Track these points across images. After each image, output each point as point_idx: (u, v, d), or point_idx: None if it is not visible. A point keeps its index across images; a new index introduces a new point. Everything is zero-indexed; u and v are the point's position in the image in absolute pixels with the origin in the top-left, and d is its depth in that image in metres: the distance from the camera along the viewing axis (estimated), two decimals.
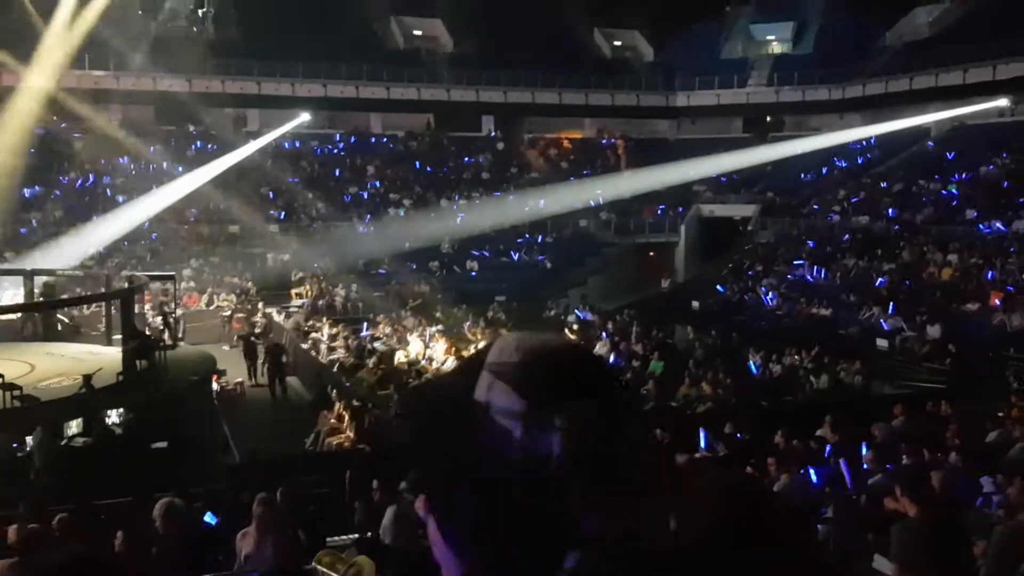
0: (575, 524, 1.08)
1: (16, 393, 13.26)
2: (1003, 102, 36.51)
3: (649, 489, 1.13)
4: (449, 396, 1.15)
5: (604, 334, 23.39)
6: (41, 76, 33.22)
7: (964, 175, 34.06)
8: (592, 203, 38.20)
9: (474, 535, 1.12)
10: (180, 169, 35.16)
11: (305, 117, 37.42)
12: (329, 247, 31.84)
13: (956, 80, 36.87)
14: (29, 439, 12.53)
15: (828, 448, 10.50)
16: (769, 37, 47.70)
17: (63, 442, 12.94)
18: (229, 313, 25.68)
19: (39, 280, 21.36)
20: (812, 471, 8.96)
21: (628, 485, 1.11)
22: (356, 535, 7.74)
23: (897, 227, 31.23)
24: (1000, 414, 12.46)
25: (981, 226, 28.90)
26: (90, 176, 34.86)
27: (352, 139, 42.57)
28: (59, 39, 33.69)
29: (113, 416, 13.99)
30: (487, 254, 33.85)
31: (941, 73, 37.38)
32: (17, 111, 31.80)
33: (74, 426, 13.44)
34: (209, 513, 8.35)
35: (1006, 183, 32.13)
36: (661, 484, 1.16)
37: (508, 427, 1.09)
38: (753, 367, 19.91)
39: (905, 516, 5.09)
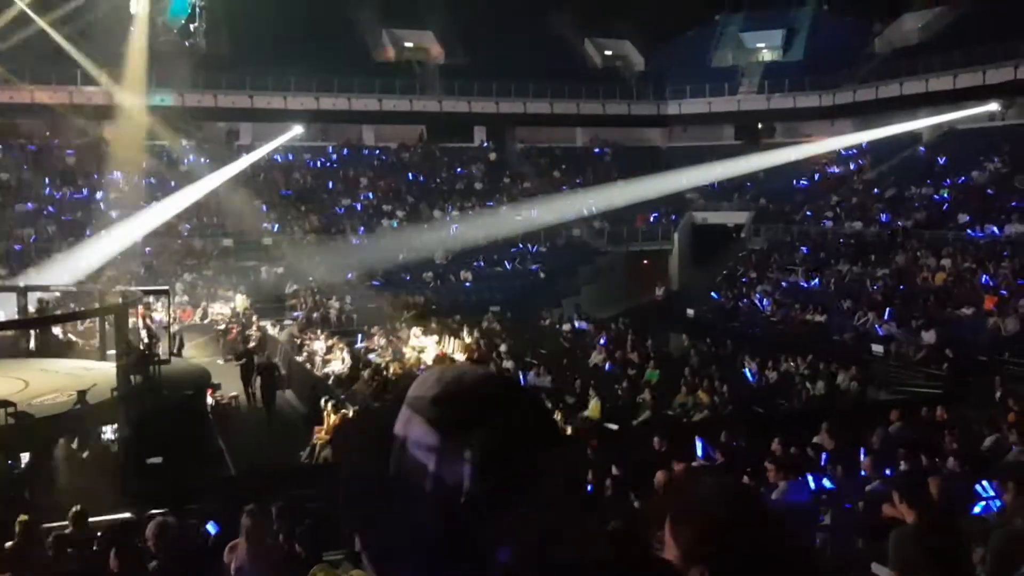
0: (489, 556, 1.11)
1: (10, 410, 13.19)
2: (993, 107, 36.66)
3: (565, 522, 1.16)
4: (371, 429, 1.19)
5: (600, 342, 23.39)
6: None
7: (956, 180, 34.18)
8: (585, 211, 38.21)
9: (392, 563, 1.15)
10: (173, 184, 35.21)
11: (298, 130, 37.43)
12: (323, 259, 31.88)
13: (946, 85, 37.01)
14: (24, 456, 12.47)
15: (824, 455, 10.49)
16: (759, 45, 47.88)
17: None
18: (224, 326, 25.63)
19: (32, 296, 21.29)
20: (810, 478, 8.95)
21: (541, 518, 1.14)
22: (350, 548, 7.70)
23: (890, 232, 31.31)
24: (997, 418, 12.46)
25: (971, 232, 28.98)
26: (83, 191, 34.77)
27: (345, 151, 42.58)
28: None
29: (108, 432, 13.93)
30: (481, 264, 33.84)
31: (931, 78, 37.52)
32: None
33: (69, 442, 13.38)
34: (211, 523, 8.32)
35: (997, 188, 32.28)
36: (575, 517, 1.19)
37: (424, 460, 1.12)
38: (749, 374, 19.92)
39: (903, 522, 5.09)
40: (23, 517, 8.24)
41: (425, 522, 1.12)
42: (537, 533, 1.13)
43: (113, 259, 29.27)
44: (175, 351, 22.08)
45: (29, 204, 32.94)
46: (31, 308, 20.65)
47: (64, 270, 25.82)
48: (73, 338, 21.14)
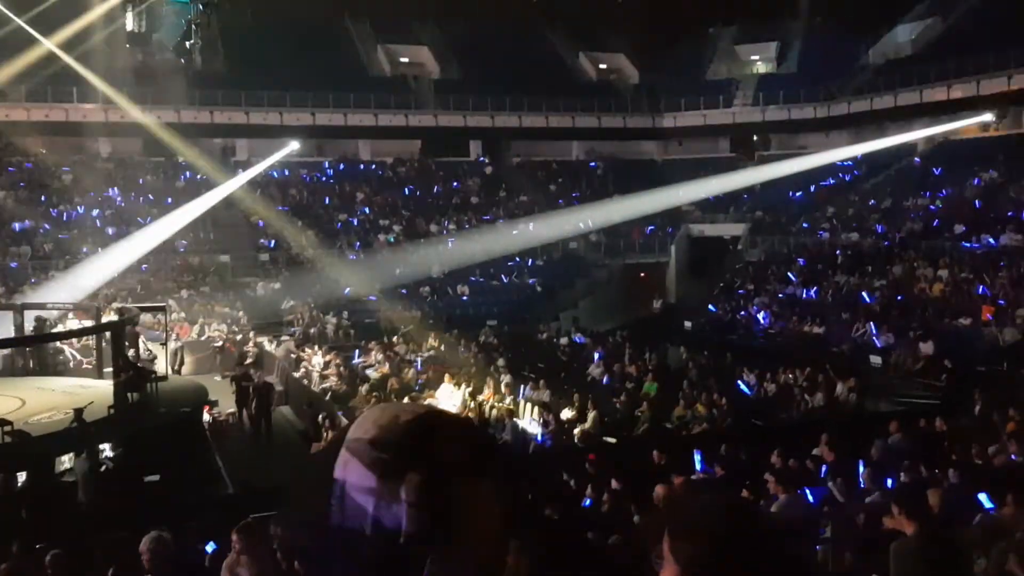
0: None
1: (7, 429, 13.15)
2: (987, 117, 36.80)
3: (500, 555, 1.20)
4: (314, 472, 1.21)
5: (597, 356, 23.36)
6: None
7: (951, 190, 34.25)
8: (582, 225, 38.24)
9: None
10: (170, 200, 35.26)
11: (295, 146, 37.47)
12: (319, 275, 31.90)
13: (940, 96, 37.15)
14: (21, 476, 12.42)
15: (823, 467, 10.47)
16: (753, 57, 48.11)
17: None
18: (221, 343, 25.60)
19: (30, 315, 21.25)
20: (809, 491, 8.93)
21: (476, 553, 1.17)
22: None
23: (887, 243, 31.35)
24: (997, 428, 12.44)
25: (966, 243, 29.01)
26: (79, 208, 34.77)
27: (341, 166, 42.63)
28: None
29: (105, 450, 13.88)
30: (478, 278, 33.80)
31: (925, 89, 37.66)
32: None
33: (66, 461, 13.33)
34: (211, 543, 8.27)
35: (992, 198, 32.35)
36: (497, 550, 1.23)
37: (363, 503, 1.15)
38: (746, 388, 19.89)
39: (903, 535, 5.07)
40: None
41: (366, 563, 1.15)
42: (473, 569, 1.16)
43: (111, 277, 29.27)
44: (176, 368, 22.08)
45: (26, 222, 32.91)
46: (28, 326, 20.60)
47: (65, 288, 25.77)
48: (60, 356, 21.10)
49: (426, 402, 17.75)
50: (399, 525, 1.13)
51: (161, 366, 19.79)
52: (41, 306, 22.08)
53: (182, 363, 23.37)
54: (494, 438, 1.32)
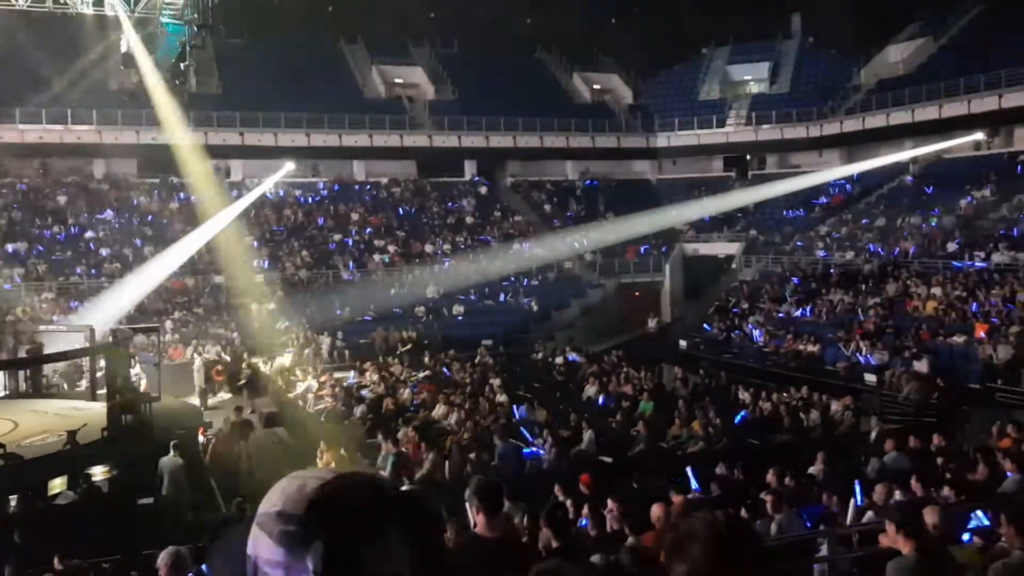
0: None
1: (0, 451, 13.09)
2: (979, 136, 37.01)
3: None
4: (232, 551, 1.24)
5: (592, 376, 23.32)
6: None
7: (944, 209, 34.40)
8: (576, 244, 38.30)
9: None
10: (165, 222, 35.26)
11: (291, 167, 37.49)
12: (314, 296, 31.88)
13: (932, 115, 37.37)
14: (13, 499, 12.35)
15: (819, 486, 10.46)
16: (746, 77, 48.43)
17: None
18: (215, 366, 25.54)
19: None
20: (804, 510, 8.92)
21: None
22: None
23: (880, 262, 31.45)
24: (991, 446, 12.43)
25: (957, 264, 29.11)
26: (73, 230, 34.73)
27: (336, 187, 42.69)
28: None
29: (98, 473, 13.80)
30: (473, 298, 33.79)
31: (917, 108, 37.89)
32: None
33: (59, 483, 13.25)
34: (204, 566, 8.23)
35: (984, 216, 32.52)
36: None
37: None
38: (742, 406, 19.87)
39: (899, 553, 5.06)
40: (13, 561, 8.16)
41: None
42: None
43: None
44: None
45: (20, 243, 32.87)
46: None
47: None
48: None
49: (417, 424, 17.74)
50: None
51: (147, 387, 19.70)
52: (34, 329, 22.02)
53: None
54: (400, 489, 1.35)
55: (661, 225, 38.66)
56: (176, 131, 35.19)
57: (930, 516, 5.90)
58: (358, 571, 1.16)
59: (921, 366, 21.31)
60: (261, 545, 1.19)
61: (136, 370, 20.59)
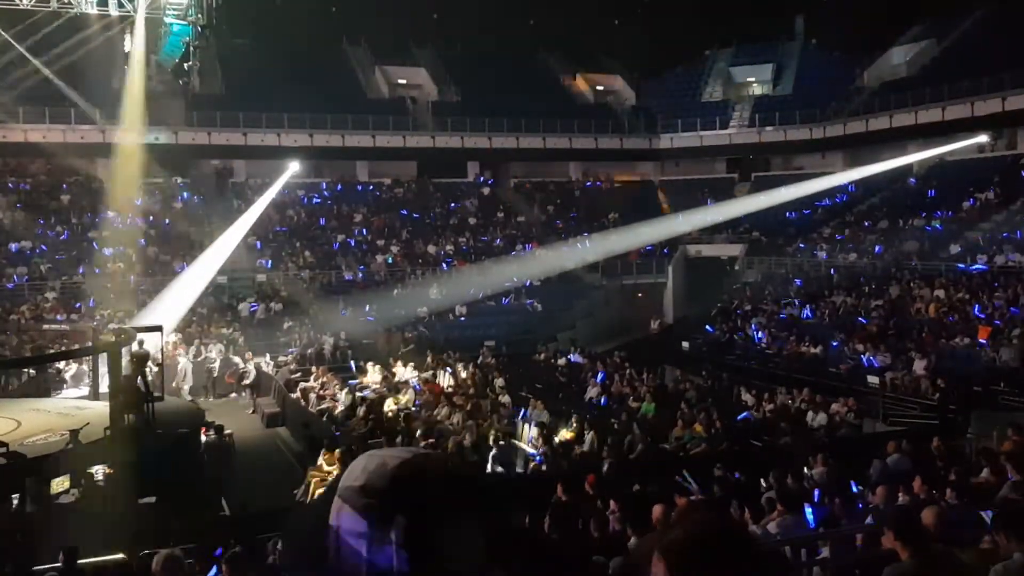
0: None
1: (2, 450, 13.09)
2: (983, 138, 36.98)
3: None
4: (309, 520, 1.31)
5: (597, 377, 23.30)
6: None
7: (947, 211, 34.37)
8: (579, 246, 38.29)
9: None
10: (167, 222, 35.32)
11: (296, 167, 37.50)
12: (318, 297, 31.91)
13: (935, 117, 37.34)
14: (15, 497, 12.35)
15: (822, 488, 10.44)
16: (749, 79, 48.42)
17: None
18: (216, 364, 25.57)
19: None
20: (808, 511, 8.90)
21: None
22: None
23: (883, 263, 31.43)
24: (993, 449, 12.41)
25: (961, 266, 29.09)
26: (76, 229, 34.76)
27: (339, 187, 42.73)
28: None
29: (100, 471, 13.81)
30: (477, 298, 33.72)
31: (920, 111, 37.85)
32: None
33: (61, 482, 13.25)
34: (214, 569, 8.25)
35: (987, 219, 32.48)
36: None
37: (356, 546, 1.24)
38: (744, 408, 19.86)
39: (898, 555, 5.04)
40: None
41: None
42: None
43: (105, 295, 29.25)
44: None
45: (24, 242, 32.92)
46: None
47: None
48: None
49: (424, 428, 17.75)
50: (392, 565, 1.22)
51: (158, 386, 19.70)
52: (39, 328, 22.07)
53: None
54: (477, 474, 1.43)
55: (666, 234, 38.58)
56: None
57: (928, 517, 5.90)
58: (436, 548, 1.23)
59: (923, 368, 21.27)
60: (345, 517, 1.25)
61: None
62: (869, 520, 8.48)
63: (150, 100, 37.09)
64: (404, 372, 23.66)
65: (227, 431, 17.34)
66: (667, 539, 1.60)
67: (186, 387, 24.10)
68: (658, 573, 1.56)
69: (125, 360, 16.33)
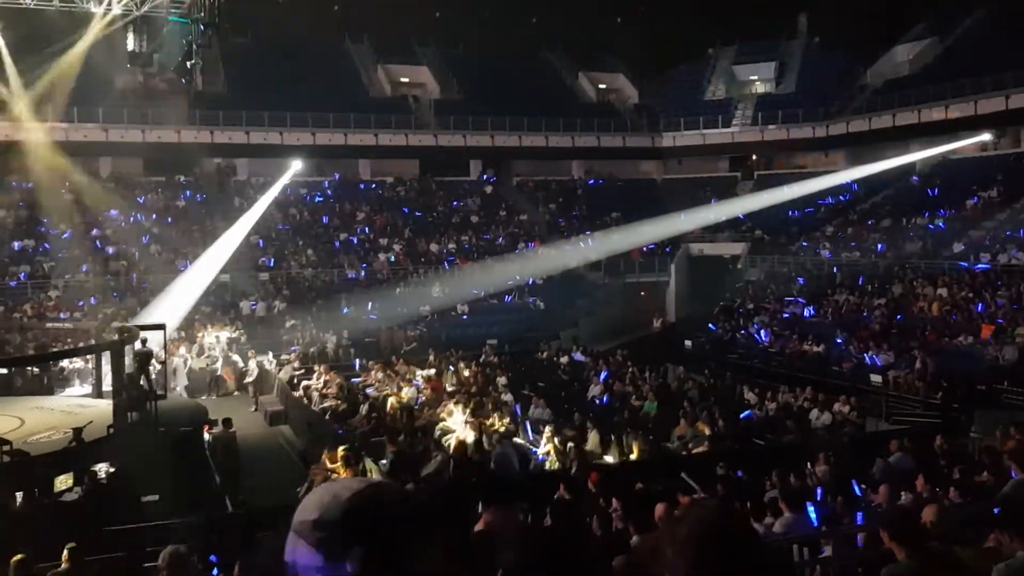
0: None
1: (5, 448, 13.10)
2: (986, 137, 36.94)
3: None
4: (268, 558, 1.34)
5: (600, 376, 23.28)
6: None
7: (950, 209, 34.32)
8: (582, 244, 38.29)
9: None
10: (170, 220, 35.30)
11: (299, 166, 37.51)
12: (320, 295, 31.91)
13: (938, 116, 37.30)
14: (19, 495, 12.37)
15: (824, 486, 10.44)
16: (752, 77, 48.35)
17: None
18: (218, 364, 25.59)
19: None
20: (811, 509, 8.90)
21: None
22: None
23: (886, 262, 31.40)
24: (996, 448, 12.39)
25: (964, 263, 29.06)
26: (79, 228, 34.72)
27: (341, 186, 42.74)
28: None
29: (103, 470, 13.82)
30: (479, 296, 33.73)
31: (923, 109, 37.80)
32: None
33: (65, 480, 13.27)
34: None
35: (991, 217, 32.44)
36: None
37: None
38: (747, 406, 19.84)
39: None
40: (18, 556, 8.18)
41: None
42: None
43: (107, 295, 29.24)
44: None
45: (27, 241, 32.95)
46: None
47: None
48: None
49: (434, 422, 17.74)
50: None
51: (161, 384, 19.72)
52: (42, 327, 22.09)
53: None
54: (436, 498, 1.46)
55: (668, 233, 38.54)
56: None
57: (929, 515, 5.89)
58: (395, 572, 1.24)
59: (926, 367, 21.25)
60: (300, 552, 1.26)
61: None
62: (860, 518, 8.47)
63: (152, 99, 37.08)
64: (406, 371, 23.66)
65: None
66: (679, 536, 1.60)
67: (179, 387, 24.06)
68: (676, 569, 1.56)
69: (128, 358, 16.34)
